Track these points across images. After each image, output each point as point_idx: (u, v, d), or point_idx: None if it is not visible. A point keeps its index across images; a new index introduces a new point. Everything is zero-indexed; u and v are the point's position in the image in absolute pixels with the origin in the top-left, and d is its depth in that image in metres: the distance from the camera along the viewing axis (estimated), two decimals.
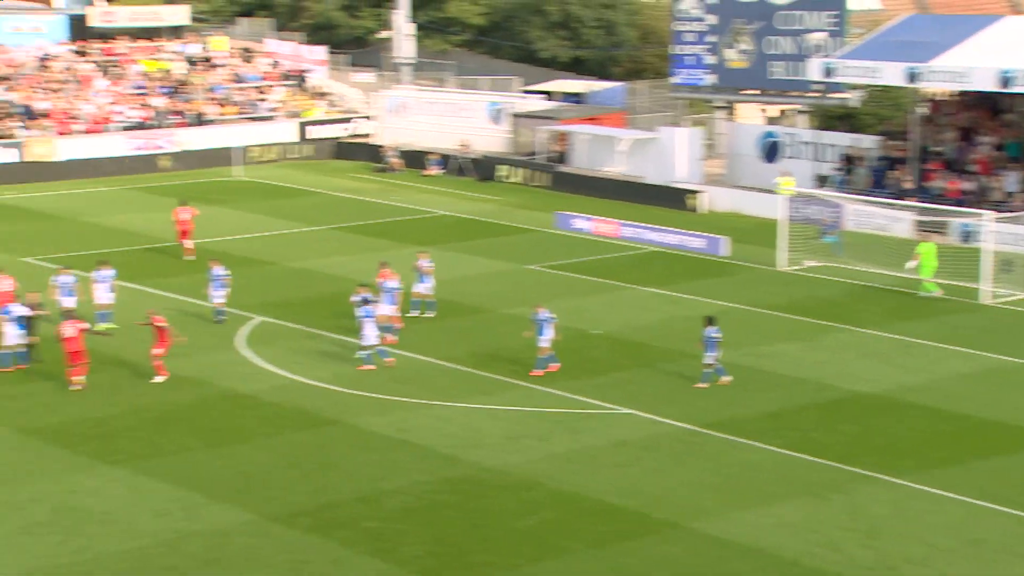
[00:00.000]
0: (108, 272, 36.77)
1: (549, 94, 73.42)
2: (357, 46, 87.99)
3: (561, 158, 62.82)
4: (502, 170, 62.82)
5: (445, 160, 64.78)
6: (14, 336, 31.78)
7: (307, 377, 32.71)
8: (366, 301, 33.47)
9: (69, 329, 31.43)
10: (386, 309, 35.17)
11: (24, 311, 32.37)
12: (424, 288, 37.97)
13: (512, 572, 22.44)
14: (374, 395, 31.45)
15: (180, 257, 45.24)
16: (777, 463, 27.32)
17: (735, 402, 31.02)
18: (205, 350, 34.72)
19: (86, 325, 32.37)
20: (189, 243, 45.69)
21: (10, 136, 61.41)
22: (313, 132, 70.21)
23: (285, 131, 69.48)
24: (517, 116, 66.65)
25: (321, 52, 77.40)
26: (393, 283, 35.69)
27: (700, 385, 31.86)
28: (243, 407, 30.69)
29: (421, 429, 29.21)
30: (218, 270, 37.11)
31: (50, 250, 46.05)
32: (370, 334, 33.06)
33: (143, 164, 63.69)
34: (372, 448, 28.11)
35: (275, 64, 75.06)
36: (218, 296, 37.11)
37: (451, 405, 30.79)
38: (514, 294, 40.58)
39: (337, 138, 70.37)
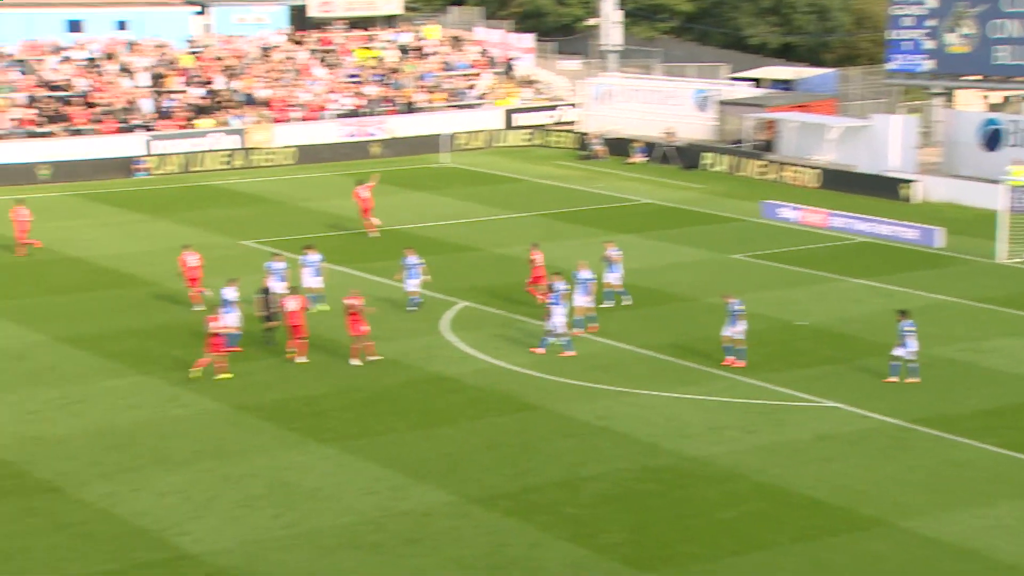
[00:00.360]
0: (315, 257, 37.83)
1: (757, 81, 72.30)
2: (564, 34, 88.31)
3: (768, 146, 61.78)
4: (707, 158, 62.16)
5: (649, 148, 64.46)
6: (232, 319, 32.97)
7: (509, 362, 33.05)
8: (551, 288, 33.69)
9: (292, 303, 32.58)
10: (581, 300, 35.21)
11: (234, 295, 33.42)
12: (614, 278, 37.85)
13: (714, 563, 22.26)
14: (575, 382, 31.57)
15: (366, 235, 46.62)
16: (993, 462, 26.35)
17: (948, 398, 30.04)
18: (411, 334, 35.43)
19: (307, 303, 33.58)
20: (372, 220, 47.17)
21: (229, 123, 63.84)
22: (519, 119, 70.80)
23: (491, 118, 70.27)
24: (724, 103, 65.84)
25: (529, 40, 77.93)
26: (586, 273, 35.69)
27: (890, 380, 30.93)
28: (447, 390, 31.22)
29: (622, 417, 29.19)
30: (412, 258, 37.63)
31: (267, 233, 47.67)
32: (558, 321, 33.20)
33: (355, 150, 65.34)
34: (573, 434, 28.24)
35: (483, 52, 75.97)
36: (412, 284, 37.57)
37: (652, 394, 30.68)
38: (717, 283, 40.13)
39: (542, 125, 70.81)
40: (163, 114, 63.06)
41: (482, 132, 68.97)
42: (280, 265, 35.83)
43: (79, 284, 40.27)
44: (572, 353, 33.28)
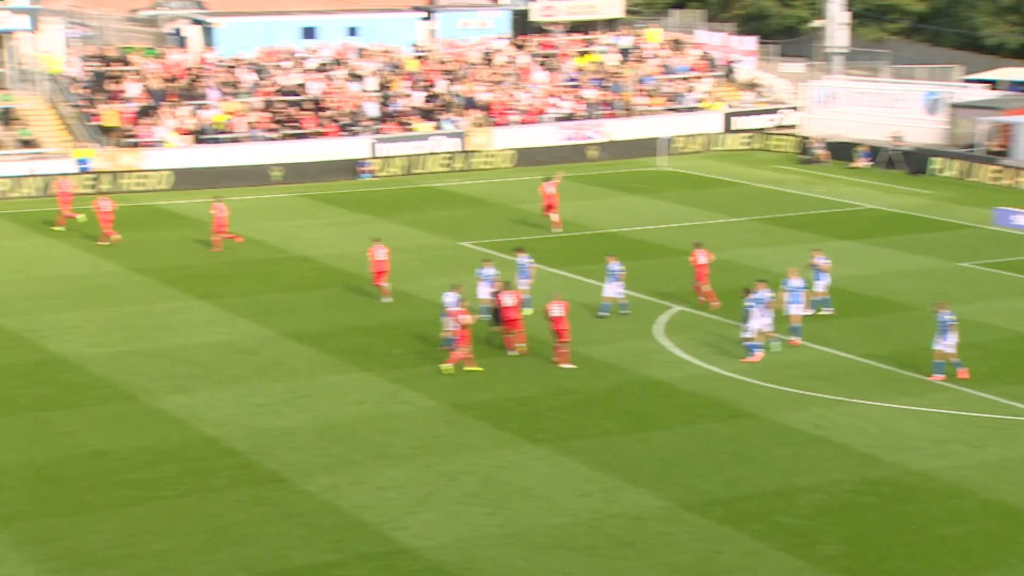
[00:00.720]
0: (524, 258, 38.07)
1: (993, 83, 69.60)
2: (788, 36, 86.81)
3: (1003, 151, 59.36)
4: (936, 163, 60.15)
5: (874, 152, 62.77)
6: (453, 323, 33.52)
7: (723, 368, 32.69)
8: (747, 291, 33.19)
9: (509, 298, 32.97)
10: (794, 309, 34.57)
11: (455, 299, 33.88)
12: (820, 286, 37.00)
13: None
14: (791, 390, 31.01)
15: (549, 230, 47.37)
16: None
17: None
18: (624, 337, 35.41)
19: (523, 297, 33.94)
20: (555, 216, 48.10)
21: (448, 126, 65.03)
22: (738, 123, 69.94)
23: (710, 122, 69.62)
24: (956, 106, 63.56)
25: (751, 42, 76.92)
26: (797, 282, 34.99)
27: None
28: (660, 394, 31.08)
29: (839, 427, 28.53)
30: (614, 264, 37.43)
31: (484, 235, 48.37)
32: (754, 325, 32.69)
33: (572, 153, 65.68)
34: (788, 443, 27.74)
35: (704, 55, 75.35)
36: (613, 290, 37.25)
37: (871, 404, 29.88)
38: (943, 292, 38.77)
39: (762, 129, 69.78)
40: (388, 117, 64.72)
41: (700, 136, 68.42)
42: (490, 271, 36.18)
43: (306, 282, 41.65)
44: (756, 359, 32.80)
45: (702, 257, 38.31)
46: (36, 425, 28.61)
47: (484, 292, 35.52)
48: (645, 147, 65.98)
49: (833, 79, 71.48)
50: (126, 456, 26.96)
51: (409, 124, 64.46)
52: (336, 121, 63.29)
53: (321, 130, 62.65)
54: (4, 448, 27.22)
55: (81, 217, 48.69)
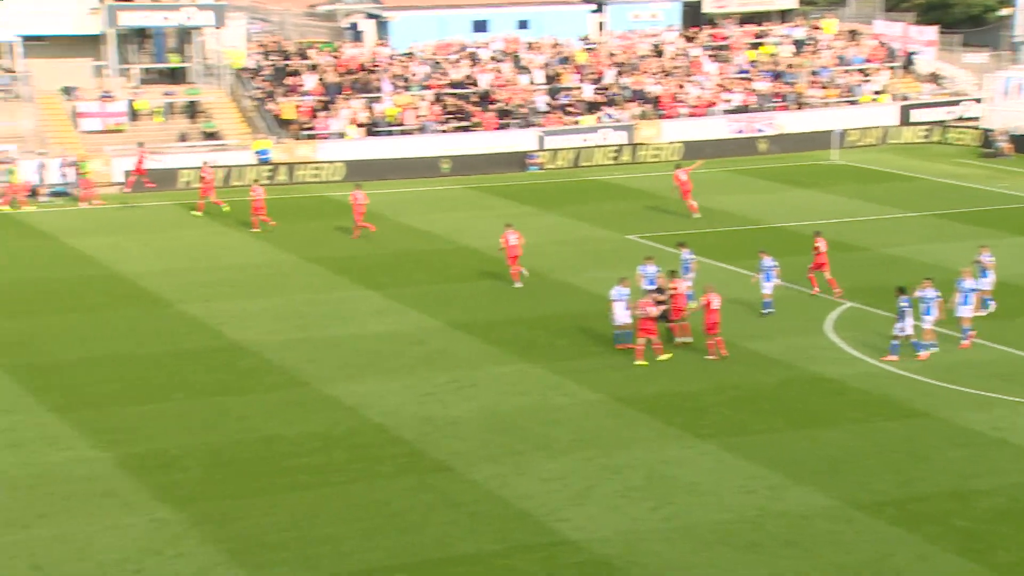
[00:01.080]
0: (687, 253, 37.61)
1: None
2: (972, 25, 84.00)
3: None
4: None
5: None
6: (623, 316, 33.42)
7: (896, 366, 31.88)
8: (902, 291, 32.25)
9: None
10: (964, 311, 33.46)
11: (624, 293, 33.74)
12: (986, 283, 35.73)
13: None
14: (969, 390, 30.06)
15: (688, 216, 47.92)
16: None
17: None
18: (792, 333, 34.83)
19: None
20: (692, 202, 49.21)
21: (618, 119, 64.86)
22: (916, 115, 68.05)
23: (886, 114, 67.88)
24: None
25: (931, 32, 74.72)
26: (970, 282, 33.83)
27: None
28: (829, 392, 30.47)
29: (1021, 429, 27.52)
30: (768, 261, 36.72)
31: (650, 228, 48.03)
32: (907, 324, 31.86)
33: (741, 147, 64.75)
34: (965, 444, 26.91)
35: (881, 45, 73.49)
36: (767, 287, 36.51)
37: None
38: None
39: (942, 121, 67.75)
40: (556, 110, 64.85)
41: (875, 128, 66.75)
42: (652, 268, 35.86)
43: (472, 273, 42.02)
44: (926, 355, 32.06)
45: (823, 245, 38.36)
46: (214, 409, 29.53)
47: (646, 289, 35.20)
48: (818, 140, 64.70)
49: (1020, 69, 68.92)
50: (297, 442, 27.62)
51: (577, 116, 64.48)
52: (505, 113, 63.70)
53: (490, 122, 63.12)
54: (184, 431, 28.17)
55: (226, 208, 50.10)
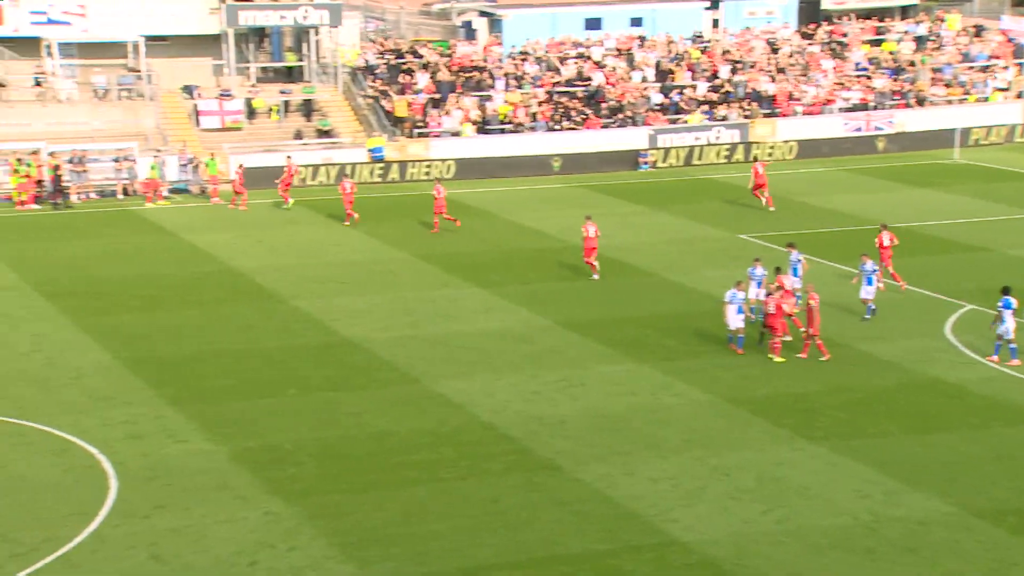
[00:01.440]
0: (796, 255, 37.02)
1: None
2: None
3: None
4: None
5: None
6: (736, 320, 33.07)
7: (1020, 371, 31.04)
8: (1006, 290, 31.38)
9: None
10: None
11: (741, 298, 33.35)
12: None
13: None
14: None
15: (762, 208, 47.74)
16: None
17: None
18: (909, 336, 34.14)
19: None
20: (766, 194, 50.13)
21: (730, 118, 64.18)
22: None
23: (1012, 112, 66.13)
24: None
25: None
26: None
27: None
28: (947, 395, 29.80)
29: None
30: (869, 264, 35.86)
31: (762, 228, 47.42)
32: (1010, 326, 31.10)
33: (858, 145, 63.59)
34: None
35: (1008, 41, 71.60)
36: (867, 292, 35.65)
37: None
38: None
39: None
40: (668, 108, 64.41)
41: (1001, 127, 65.07)
42: (761, 271, 35.37)
43: (582, 272, 41.79)
44: (1018, 362, 31.18)
45: (887, 239, 38.31)
46: (326, 404, 29.85)
47: (754, 292, 34.72)
48: (939, 139, 63.30)
49: None
50: (407, 438, 27.80)
51: (690, 115, 63.96)
52: (617, 111, 63.43)
53: (601, 121, 62.92)
54: (297, 426, 28.52)
55: (291, 203, 51.08)
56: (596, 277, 40.44)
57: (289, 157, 53.88)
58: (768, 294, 33.33)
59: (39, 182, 52.51)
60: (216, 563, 22.25)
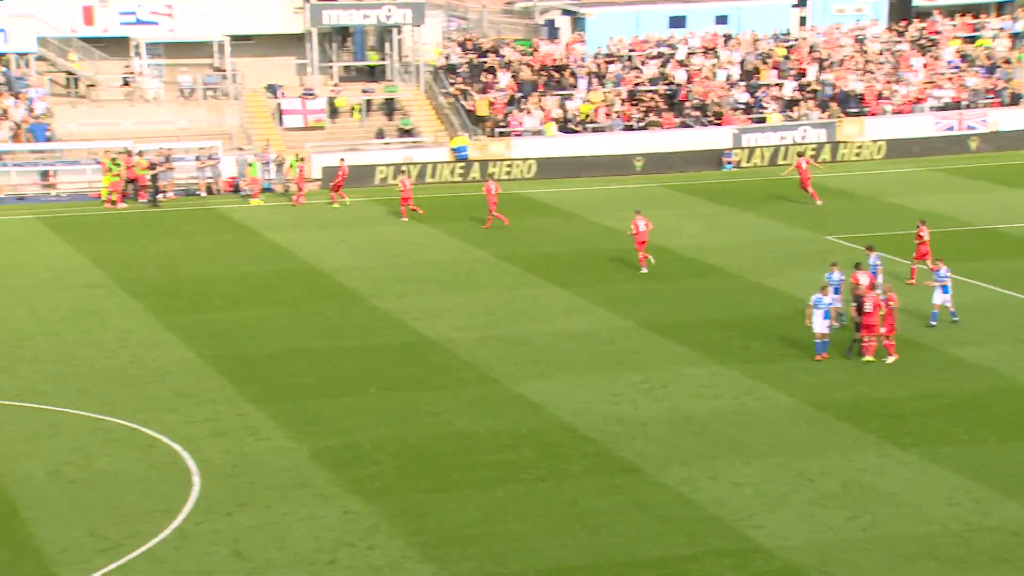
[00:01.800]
0: (874, 257, 36.30)
1: None
2: None
3: None
4: None
5: None
6: (821, 325, 32.45)
7: None
8: None
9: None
10: None
11: (832, 302, 32.71)
12: None
13: None
14: None
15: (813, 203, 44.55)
16: None
17: None
18: (1001, 340, 33.46)
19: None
20: (811, 190, 50.64)
21: (813, 116, 63.23)
22: None
23: None
24: None
25: None
26: None
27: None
28: None
29: None
30: (944, 271, 34.99)
31: (850, 229, 46.67)
32: None
33: (949, 145, 62.30)
34: None
35: None
36: (940, 298, 34.61)
37: None
38: None
39: None
40: (753, 108, 63.65)
41: None
42: (837, 276, 34.60)
43: (664, 273, 41.49)
44: None
45: (926, 234, 38.24)
46: (407, 404, 29.81)
47: (832, 298, 33.68)
48: None
49: None
50: (487, 438, 27.66)
51: (775, 114, 63.13)
52: (701, 111, 62.84)
53: (685, 120, 62.36)
54: (377, 424, 28.51)
55: (339, 204, 51.31)
56: (645, 270, 40.83)
57: (342, 159, 54.01)
58: (859, 296, 32.71)
59: (131, 181, 53.15)
60: (296, 560, 22.28)
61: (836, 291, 33.86)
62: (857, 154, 61.33)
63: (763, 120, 62.75)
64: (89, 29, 60.37)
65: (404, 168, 55.36)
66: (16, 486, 25.15)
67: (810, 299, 32.64)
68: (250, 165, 54.05)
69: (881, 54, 68.18)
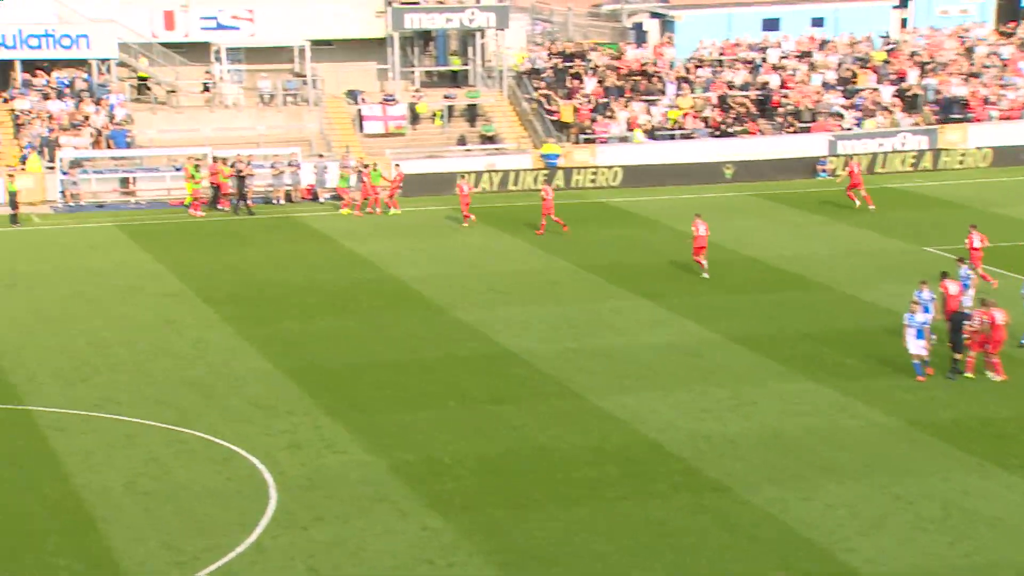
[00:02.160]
0: (965, 269, 35.02)
1: None
2: None
3: None
4: None
5: None
6: (917, 346, 31.17)
7: None
8: None
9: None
10: None
11: (924, 321, 31.42)
12: None
13: None
14: None
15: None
16: None
17: None
18: None
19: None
20: (861, 194, 50.42)
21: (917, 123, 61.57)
22: None
23: None
24: None
25: None
26: None
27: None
28: None
29: None
30: None
31: (951, 240, 45.12)
32: None
33: None
34: None
35: None
36: None
37: None
38: None
39: None
40: (851, 114, 62.05)
41: None
42: (927, 294, 33.20)
43: (754, 284, 40.49)
44: None
45: (976, 240, 37.81)
46: (487, 417, 29.10)
47: (924, 318, 32.30)
48: None
49: None
50: (570, 454, 26.87)
51: (874, 120, 61.50)
52: (794, 117, 61.42)
53: (777, 126, 61.03)
54: (457, 439, 27.82)
55: (391, 212, 50.98)
56: (706, 276, 40.35)
57: (397, 165, 53.48)
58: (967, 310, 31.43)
59: (215, 187, 52.93)
60: None
61: (926, 309, 32.37)
62: (960, 162, 59.52)
63: (869, 126, 61.04)
64: (170, 34, 60.53)
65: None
66: (93, 497, 24.86)
67: (903, 318, 31.35)
68: (341, 177, 53.34)
69: (988, 57, 66.03)
